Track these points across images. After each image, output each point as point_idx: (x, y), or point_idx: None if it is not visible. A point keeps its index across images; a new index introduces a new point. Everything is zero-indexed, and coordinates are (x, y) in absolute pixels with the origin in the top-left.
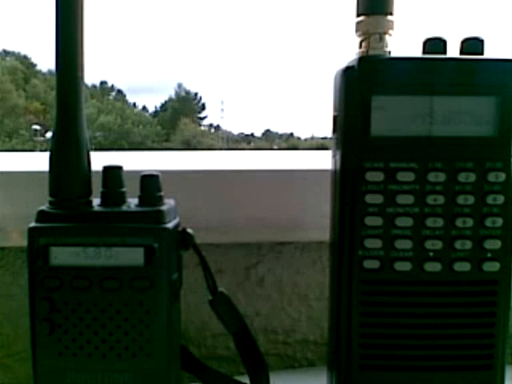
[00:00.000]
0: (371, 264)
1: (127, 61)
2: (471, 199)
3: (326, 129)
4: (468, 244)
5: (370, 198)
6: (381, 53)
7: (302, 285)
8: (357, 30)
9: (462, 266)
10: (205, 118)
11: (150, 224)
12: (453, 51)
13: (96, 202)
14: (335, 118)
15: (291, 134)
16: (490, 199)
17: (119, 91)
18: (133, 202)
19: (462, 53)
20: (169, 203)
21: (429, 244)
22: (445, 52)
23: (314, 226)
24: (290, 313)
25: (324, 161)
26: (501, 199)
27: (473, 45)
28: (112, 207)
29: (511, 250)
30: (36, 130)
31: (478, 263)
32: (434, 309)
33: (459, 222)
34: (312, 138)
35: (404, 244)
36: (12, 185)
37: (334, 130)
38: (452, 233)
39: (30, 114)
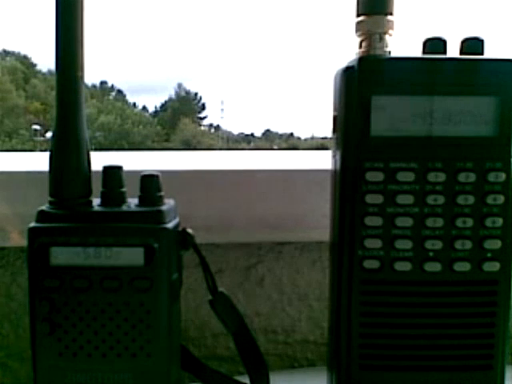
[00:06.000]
0: (371, 264)
1: (127, 61)
2: (471, 199)
3: (326, 129)
4: (468, 244)
5: (370, 198)
6: (381, 53)
7: (302, 285)
8: (357, 30)
9: (462, 266)
10: (205, 118)
11: (149, 224)
12: (453, 51)
13: (96, 202)
14: (335, 118)
15: (291, 134)
16: (490, 199)
17: (119, 91)
18: (133, 202)
19: (461, 53)
20: (169, 203)
21: (429, 244)
22: (445, 52)
23: (313, 226)
24: (290, 313)
25: (324, 161)
26: (501, 199)
27: (473, 45)
28: (112, 207)
29: (511, 249)
30: (36, 130)
31: (478, 263)
32: (434, 309)
33: (459, 222)
34: (312, 138)
35: (404, 244)
36: (12, 185)
37: (334, 130)
38: (452, 233)
39: (30, 114)
